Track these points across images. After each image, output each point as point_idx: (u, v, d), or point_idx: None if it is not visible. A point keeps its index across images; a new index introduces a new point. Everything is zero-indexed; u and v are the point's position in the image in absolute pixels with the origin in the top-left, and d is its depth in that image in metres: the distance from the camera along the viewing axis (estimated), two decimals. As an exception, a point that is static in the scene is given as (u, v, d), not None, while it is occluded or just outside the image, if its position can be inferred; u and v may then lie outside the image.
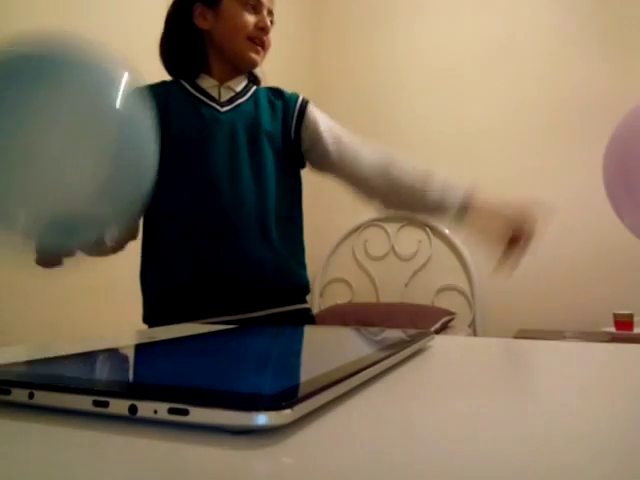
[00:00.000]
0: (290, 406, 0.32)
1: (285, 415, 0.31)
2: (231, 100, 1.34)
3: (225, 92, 1.34)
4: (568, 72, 3.27)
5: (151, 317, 1.33)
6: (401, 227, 3.61)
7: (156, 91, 1.28)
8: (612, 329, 2.76)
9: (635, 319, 2.74)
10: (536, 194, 3.28)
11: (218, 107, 1.32)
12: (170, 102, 1.30)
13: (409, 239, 3.60)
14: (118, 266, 2.25)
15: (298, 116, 1.37)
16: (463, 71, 3.53)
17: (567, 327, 3.09)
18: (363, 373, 0.44)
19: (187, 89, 1.33)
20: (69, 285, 2.02)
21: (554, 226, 3.22)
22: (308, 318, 1.38)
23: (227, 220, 1.27)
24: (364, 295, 3.65)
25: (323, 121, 1.38)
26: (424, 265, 3.55)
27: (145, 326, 1.34)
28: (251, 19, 1.29)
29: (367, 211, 3.59)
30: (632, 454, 0.29)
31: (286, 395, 0.34)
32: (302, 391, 0.35)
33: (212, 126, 1.29)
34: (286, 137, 1.36)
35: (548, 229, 3.19)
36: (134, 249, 2.23)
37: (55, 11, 2.03)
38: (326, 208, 3.56)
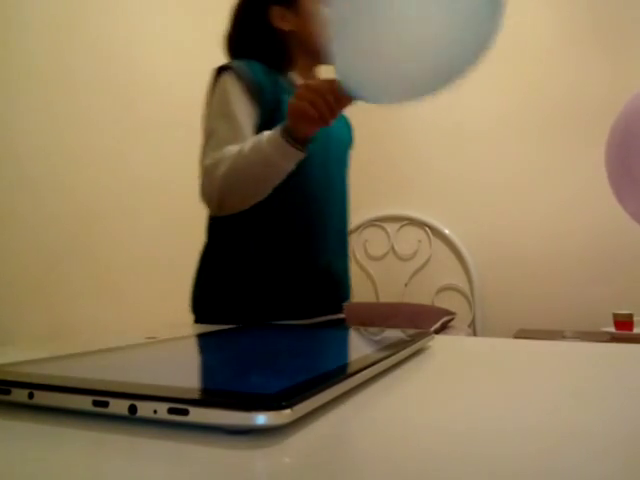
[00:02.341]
0: (290, 406, 0.32)
1: (285, 415, 0.31)
2: None
3: None
4: (565, 73, 3.26)
5: (211, 311, 1.26)
6: (401, 227, 3.61)
7: (269, 77, 1.26)
8: (612, 329, 2.76)
9: (635, 319, 2.74)
10: (535, 194, 3.30)
11: None
12: (281, 94, 1.27)
13: (409, 239, 3.60)
14: (120, 267, 2.26)
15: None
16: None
17: (567, 327, 3.09)
18: (363, 373, 0.44)
19: (287, 85, 1.31)
20: (70, 285, 2.02)
21: (554, 226, 3.23)
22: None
23: (318, 230, 1.30)
24: (364, 295, 3.65)
25: None
26: (424, 265, 3.55)
27: (189, 315, 1.30)
28: None
29: (367, 211, 3.60)
30: (633, 453, 0.29)
31: (286, 395, 0.34)
32: (302, 391, 0.35)
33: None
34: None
35: (549, 229, 3.19)
36: (131, 251, 2.23)
37: (62, 7, 2.03)
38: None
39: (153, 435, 0.32)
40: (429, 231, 3.54)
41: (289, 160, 1.08)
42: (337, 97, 1.02)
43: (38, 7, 1.96)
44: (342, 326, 1.35)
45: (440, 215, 3.53)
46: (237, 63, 1.24)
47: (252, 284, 1.23)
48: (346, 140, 1.44)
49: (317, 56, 1.32)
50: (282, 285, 1.24)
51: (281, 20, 1.29)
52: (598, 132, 3.11)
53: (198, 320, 1.27)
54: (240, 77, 1.21)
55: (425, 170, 3.56)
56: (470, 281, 3.42)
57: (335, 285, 1.35)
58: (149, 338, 0.67)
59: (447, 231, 3.49)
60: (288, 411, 0.32)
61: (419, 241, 3.58)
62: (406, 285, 3.56)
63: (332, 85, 1.02)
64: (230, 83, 1.20)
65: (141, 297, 2.35)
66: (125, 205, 2.30)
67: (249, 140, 1.10)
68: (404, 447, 0.31)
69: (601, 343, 0.74)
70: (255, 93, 1.21)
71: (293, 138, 1.05)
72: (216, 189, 1.13)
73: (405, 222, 3.60)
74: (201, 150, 1.21)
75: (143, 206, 2.39)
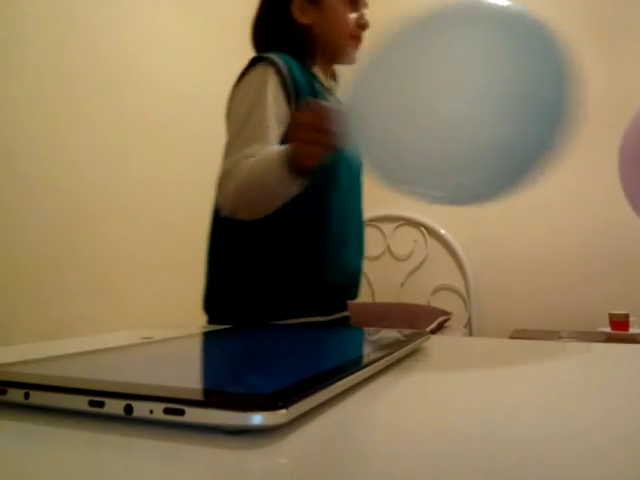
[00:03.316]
0: (285, 406, 0.32)
1: (280, 415, 0.31)
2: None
3: (334, 92, 1.35)
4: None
5: (225, 311, 1.25)
6: (397, 227, 3.61)
7: (304, 75, 1.23)
8: (608, 329, 2.77)
9: (630, 319, 2.75)
10: (531, 194, 3.29)
11: None
12: (315, 85, 1.26)
13: (405, 239, 3.60)
14: (117, 267, 2.25)
15: None
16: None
17: (563, 327, 3.10)
18: (359, 373, 0.44)
19: (317, 78, 1.29)
20: (67, 285, 2.02)
21: (550, 226, 3.23)
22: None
23: (344, 228, 1.30)
24: (360, 295, 3.64)
25: None
26: (420, 265, 3.55)
27: (203, 316, 1.28)
28: (352, 16, 1.28)
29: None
30: (630, 453, 0.30)
31: (281, 395, 0.34)
32: (297, 391, 0.35)
33: None
34: None
35: (544, 229, 3.19)
36: (128, 251, 2.23)
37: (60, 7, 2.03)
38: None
39: (149, 435, 0.32)
40: (425, 231, 3.55)
41: (294, 187, 1.04)
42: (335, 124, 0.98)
43: (35, 5, 1.96)
44: (341, 325, 1.36)
45: (436, 215, 3.53)
46: (275, 56, 1.19)
47: (270, 287, 1.22)
48: None
49: (334, 55, 1.31)
50: (303, 287, 1.23)
51: (301, 12, 1.27)
52: (594, 131, 3.12)
53: (211, 321, 1.26)
54: (278, 71, 1.17)
55: (421, 170, 3.56)
56: (466, 281, 3.43)
57: (353, 285, 1.36)
58: (145, 338, 0.67)
59: (443, 231, 3.50)
60: (284, 411, 0.32)
61: (415, 241, 3.58)
62: (402, 285, 3.57)
63: (327, 115, 0.94)
64: (268, 76, 1.16)
65: (138, 298, 2.35)
66: (123, 205, 2.29)
67: (263, 154, 1.06)
68: (400, 447, 0.31)
69: (597, 343, 0.74)
70: (292, 91, 1.18)
71: (296, 168, 1.00)
72: (228, 200, 1.11)
73: (401, 222, 3.60)
74: (227, 144, 1.17)
75: (141, 206, 2.39)
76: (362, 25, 1.30)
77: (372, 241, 3.67)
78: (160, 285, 2.43)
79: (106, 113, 2.25)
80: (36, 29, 1.96)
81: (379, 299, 3.58)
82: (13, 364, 0.45)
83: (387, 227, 3.63)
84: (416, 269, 3.56)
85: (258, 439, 0.31)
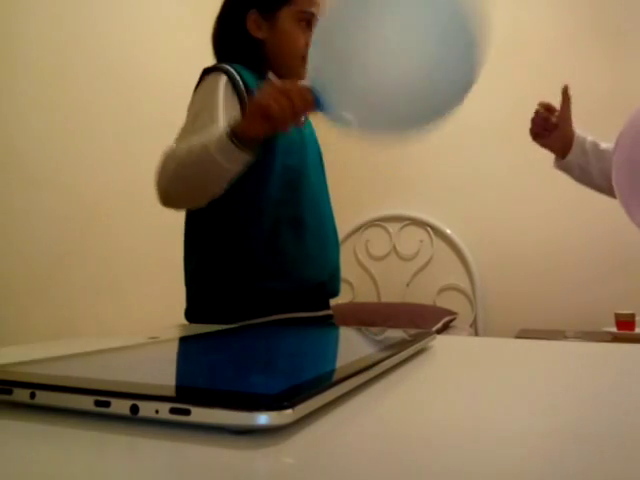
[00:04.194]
0: (291, 406, 0.32)
1: (286, 415, 0.31)
2: None
3: None
4: (566, 71, 3.25)
5: (209, 312, 1.26)
6: (403, 227, 3.61)
7: (255, 78, 1.25)
8: (613, 329, 2.76)
9: (636, 319, 2.74)
10: (537, 194, 3.29)
11: None
12: None
13: (411, 239, 3.59)
14: (122, 267, 2.26)
15: None
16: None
17: (568, 327, 3.09)
18: (364, 373, 0.44)
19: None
20: (72, 285, 2.02)
21: (556, 226, 3.22)
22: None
23: (321, 223, 1.31)
24: (365, 295, 3.64)
25: None
26: (426, 265, 3.55)
27: (185, 322, 1.29)
28: (305, 38, 1.28)
29: (368, 211, 3.60)
30: (633, 454, 0.29)
31: (287, 395, 0.33)
32: (303, 391, 0.35)
33: (304, 131, 1.31)
34: None
35: (550, 229, 3.18)
36: (133, 251, 2.23)
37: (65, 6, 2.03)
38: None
39: (155, 435, 0.32)
40: (431, 231, 3.54)
41: (233, 162, 1.03)
42: (305, 104, 0.99)
43: (40, 6, 1.96)
44: (333, 325, 1.36)
45: (442, 215, 3.52)
46: (227, 65, 1.22)
47: (251, 286, 1.22)
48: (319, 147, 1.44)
49: (284, 72, 1.32)
50: (284, 285, 1.23)
51: (256, 28, 1.29)
52: (601, 132, 3.11)
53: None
54: (231, 79, 1.19)
55: (427, 170, 3.56)
56: (472, 281, 3.42)
57: (334, 280, 1.35)
58: (151, 338, 0.67)
59: (449, 231, 3.49)
60: (290, 411, 0.32)
61: (421, 241, 3.57)
62: (408, 285, 3.56)
63: (303, 91, 0.99)
64: (220, 81, 1.19)
65: (144, 297, 2.35)
66: (129, 204, 2.30)
67: (203, 135, 1.07)
68: (406, 447, 0.31)
69: (603, 343, 0.74)
70: (245, 97, 1.19)
71: (240, 139, 1.01)
72: (164, 184, 1.10)
73: (407, 222, 3.60)
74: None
75: (148, 206, 2.39)
76: None
77: (378, 241, 3.67)
78: (166, 285, 2.44)
79: (113, 112, 2.26)
80: (41, 28, 1.97)
81: (385, 299, 3.57)
82: (19, 364, 0.45)
83: (393, 227, 3.63)
84: (422, 269, 3.56)
85: (264, 439, 0.31)
